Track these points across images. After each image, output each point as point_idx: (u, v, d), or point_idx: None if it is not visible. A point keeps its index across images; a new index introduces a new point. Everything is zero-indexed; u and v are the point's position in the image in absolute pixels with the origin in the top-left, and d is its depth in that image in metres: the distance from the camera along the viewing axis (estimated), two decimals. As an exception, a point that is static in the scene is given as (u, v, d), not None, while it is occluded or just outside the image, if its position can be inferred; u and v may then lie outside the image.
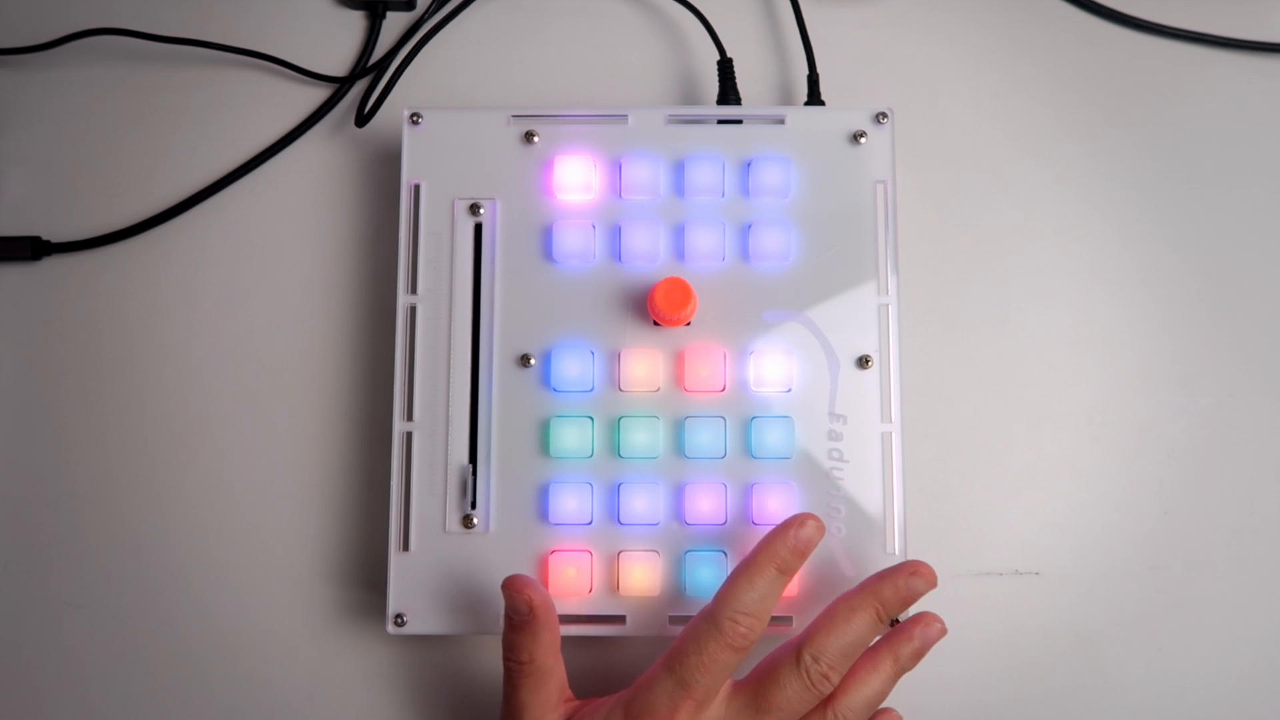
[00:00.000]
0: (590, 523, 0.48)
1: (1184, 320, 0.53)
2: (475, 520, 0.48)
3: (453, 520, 0.48)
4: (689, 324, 0.49)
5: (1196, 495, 0.52)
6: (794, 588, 0.47)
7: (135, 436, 0.52)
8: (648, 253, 0.49)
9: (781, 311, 0.49)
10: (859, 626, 0.43)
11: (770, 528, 0.47)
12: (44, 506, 0.52)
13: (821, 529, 0.44)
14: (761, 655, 0.45)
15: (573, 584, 0.47)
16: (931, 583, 0.43)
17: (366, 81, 0.55)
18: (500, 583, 0.46)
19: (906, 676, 0.45)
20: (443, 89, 0.55)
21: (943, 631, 0.44)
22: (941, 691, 0.50)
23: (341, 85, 0.55)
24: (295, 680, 0.51)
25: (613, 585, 0.47)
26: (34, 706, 0.51)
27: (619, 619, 0.47)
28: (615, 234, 0.49)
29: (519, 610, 0.43)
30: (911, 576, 0.43)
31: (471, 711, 0.50)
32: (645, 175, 0.49)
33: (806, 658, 0.42)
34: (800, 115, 0.50)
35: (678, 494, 0.48)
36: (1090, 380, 0.53)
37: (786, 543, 0.43)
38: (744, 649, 0.42)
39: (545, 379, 0.48)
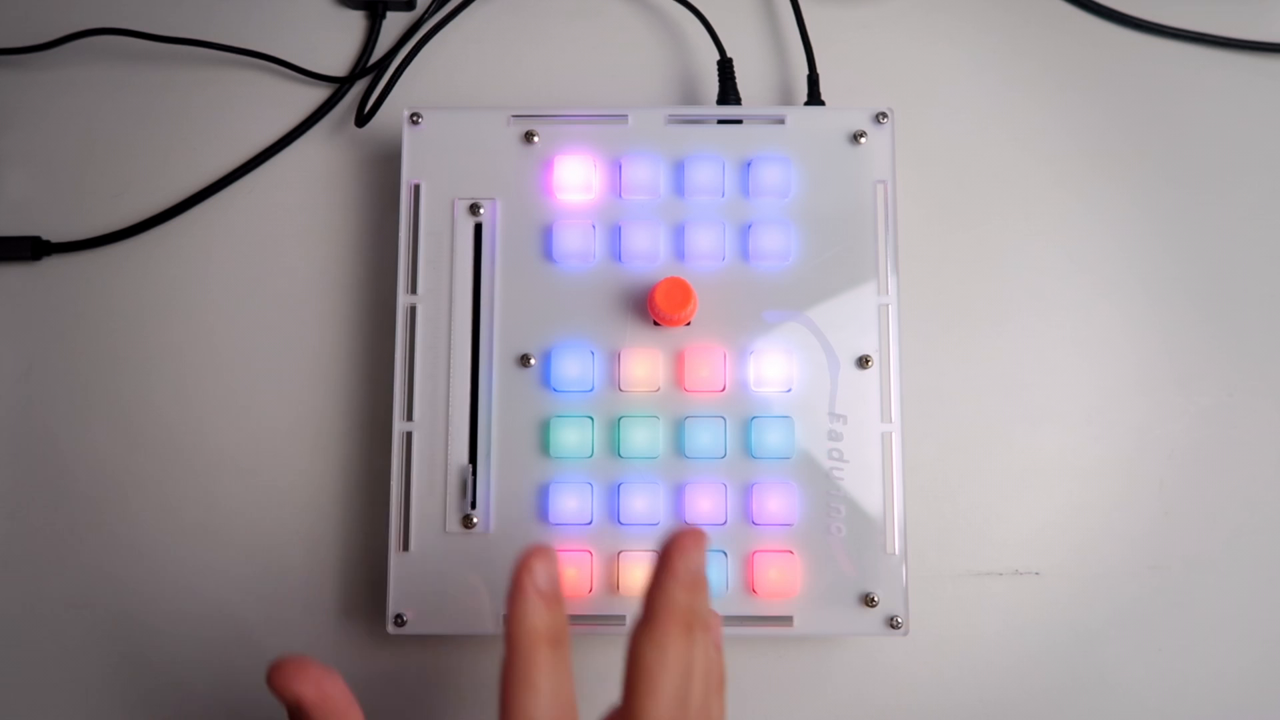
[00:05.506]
0: (590, 523, 0.48)
1: (1184, 320, 0.53)
2: (475, 520, 0.48)
3: (453, 520, 0.48)
4: (689, 324, 0.49)
5: (1196, 495, 0.52)
6: (794, 587, 0.47)
7: (135, 436, 0.52)
8: (648, 253, 0.49)
9: (781, 311, 0.49)
10: (675, 659, 0.35)
11: (770, 527, 0.47)
12: (43, 507, 0.52)
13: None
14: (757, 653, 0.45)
15: (573, 584, 0.47)
16: (702, 539, 0.36)
17: (366, 81, 0.55)
18: (500, 582, 0.46)
19: (906, 677, 0.45)
20: (443, 89, 0.55)
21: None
22: (941, 691, 0.50)
23: (341, 85, 0.55)
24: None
25: (613, 585, 0.47)
26: (34, 707, 0.51)
27: (619, 619, 0.47)
28: (615, 234, 0.49)
29: (288, 703, 0.36)
30: (683, 556, 0.35)
31: (471, 711, 0.50)
32: (645, 175, 0.49)
33: None
34: (800, 115, 0.50)
35: (678, 494, 0.48)
36: (1090, 380, 0.53)
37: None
38: None
39: (545, 379, 0.48)
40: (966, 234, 0.54)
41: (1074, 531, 0.52)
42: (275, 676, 0.36)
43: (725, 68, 0.52)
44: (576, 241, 0.49)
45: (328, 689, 0.36)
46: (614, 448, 0.48)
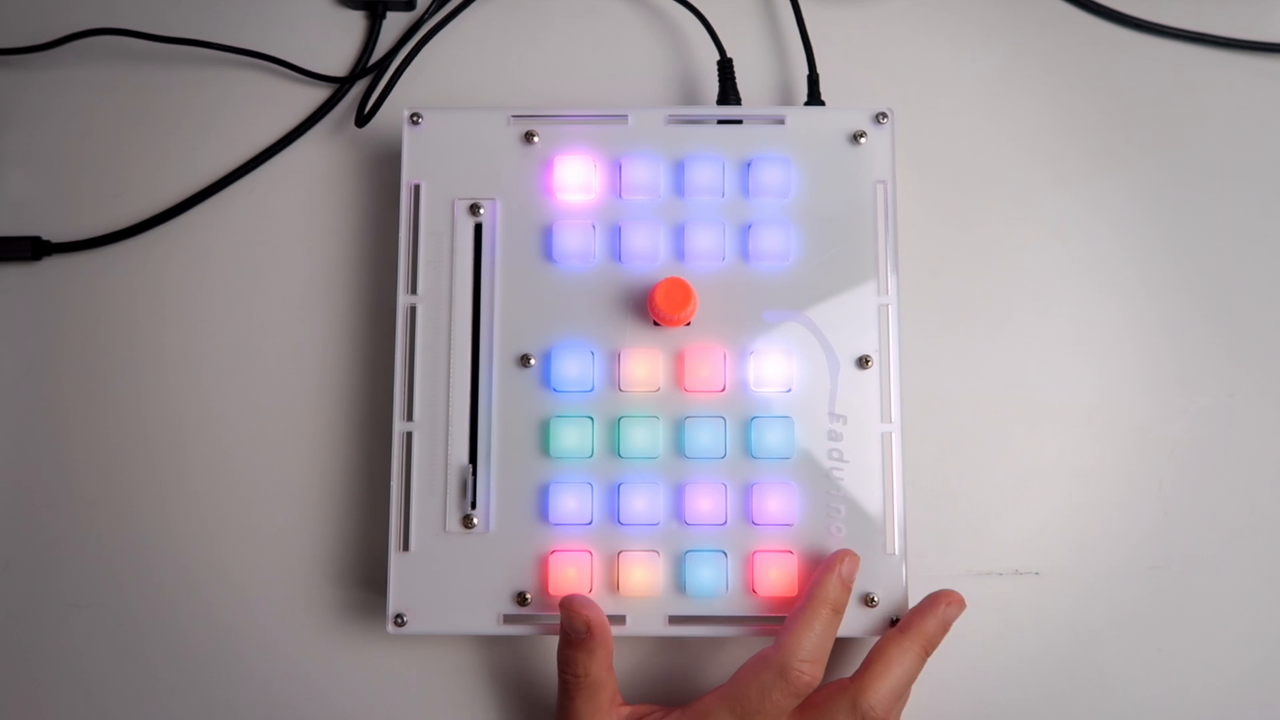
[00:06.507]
0: (590, 523, 0.48)
1: (1184, 320, 0.53)
2: (475, 520, 0.48)
3: (453, 520, 0.48)
4: (689, 324, 0.49)
5: (1196, 495, 0.52)
6: (794, 587, 0.47)
7: (136, 436, 0.52)
8: (648, 253, 0.49)
9: (781, 311, 0.49)
10: (908, 666, 0.45)
11: (770, 527, 0.47)
12: (44, 507, 0.52)
13: (858, 560, 0.46)
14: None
15: (573, 584, 0.47)
16: (963, 607, 0.46)
17: (366, 81, 0.55)
18: (500, 582, 0.46)
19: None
20: (443, 89, 0.55)
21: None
22: (941, 691, 0.50)
23: (341, 85, 0.55)
24: (295, 680, 0.51)
25: (613, 585, 0.47)
26: (35, 706, 0.51)
27: (619, 619, 0.47)
28: (615, 234, 0.49)
29: (577, 629, 0.44)
30: (948, 607, 0.46)
31: (471, 711, 0.50)
32: (645, 175, 0.49)
33: (864, 706, 0.44)
34: (800, 115, 0.50)
35: (678, 494, 0.48)
36: (1090, 380, 0.53)
37: (835, 582, 0.45)
38: (806, 693, 0.44)
39: (545, 379, 0.48)
40: (966, 234, 0.54)
41: (1074, 531, 0.52)
42: (571, 603, 0.45)
43: (725, 68, 0.52)
44: (576, 241, 0.49)
45: (604, 618, 0.45)
46: (614, 448, 0.48)
